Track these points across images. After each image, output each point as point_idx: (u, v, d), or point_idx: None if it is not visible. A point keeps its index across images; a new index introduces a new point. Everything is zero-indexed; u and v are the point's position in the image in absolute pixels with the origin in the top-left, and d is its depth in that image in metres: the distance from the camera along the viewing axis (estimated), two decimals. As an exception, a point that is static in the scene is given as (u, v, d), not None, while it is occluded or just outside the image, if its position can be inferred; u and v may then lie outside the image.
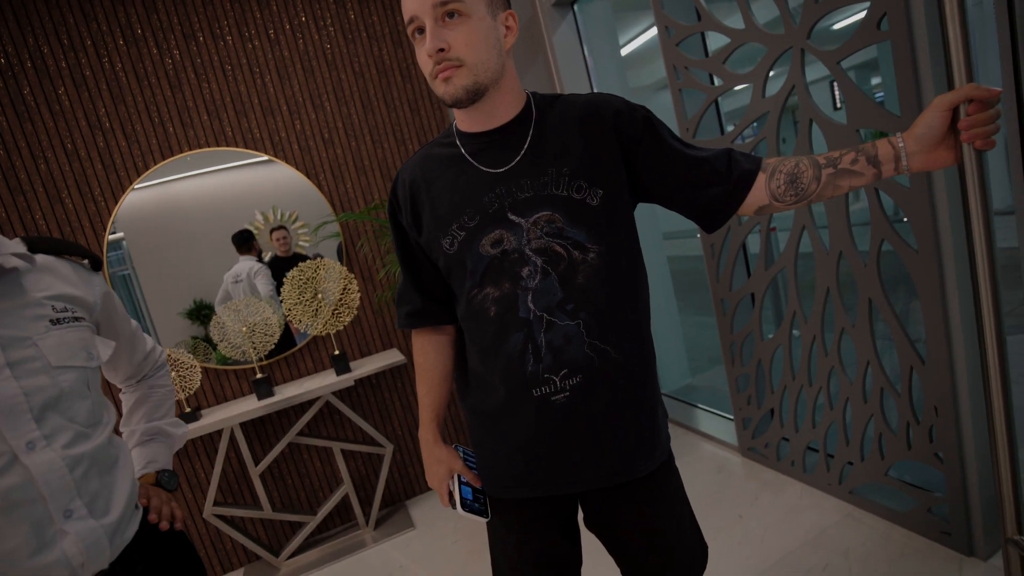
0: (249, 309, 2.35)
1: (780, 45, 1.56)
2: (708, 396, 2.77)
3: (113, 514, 0.80)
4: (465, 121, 0.89)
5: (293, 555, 2.40)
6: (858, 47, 1.38)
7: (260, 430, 2.46)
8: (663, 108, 1.39)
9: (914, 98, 1.29)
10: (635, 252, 0.92)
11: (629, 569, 1.03)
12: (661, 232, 2.86)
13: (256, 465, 2.31)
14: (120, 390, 1.06)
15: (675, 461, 1.01)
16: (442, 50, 0.79)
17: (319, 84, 2.49)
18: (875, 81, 9.08)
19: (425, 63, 0.82)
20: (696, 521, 1.04)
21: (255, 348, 2.36)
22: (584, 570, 1.04)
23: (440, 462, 0.98)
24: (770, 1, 1.54)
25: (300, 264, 2.37)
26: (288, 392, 2.31)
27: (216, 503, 2.30)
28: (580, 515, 1.02)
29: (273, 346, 2.40)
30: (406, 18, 0.81)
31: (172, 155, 2.32)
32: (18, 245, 0.82)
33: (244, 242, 2.44)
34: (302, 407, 2.45)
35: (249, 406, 2.25)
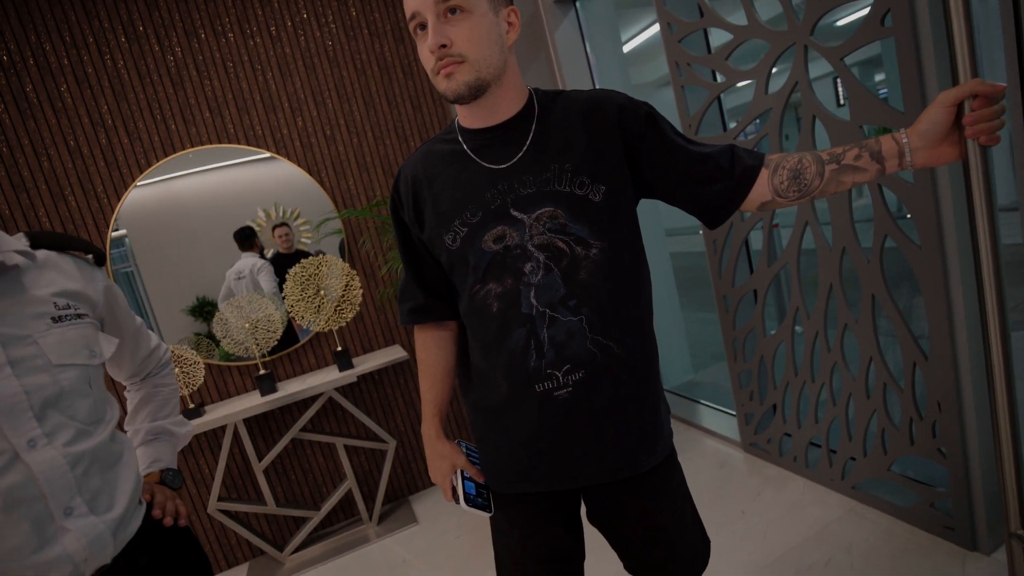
0: (252, 306, 2.35)
1: (783, 41, 1.56)
2: (710, 392, 2.78)
3: (116, 510, 0.80)
4: (467, 117, 0.89)
5: (297, 550, 2.42)
6: (862, 43, 1.37)
7: (263, 426, 2.47)
8: (665, 105, 1.39)
9: (918, 94, 1.28)
10: (638, 248, 0.92)
11: (632, 564, 1.03)
12: (663, 228, 2.86)
13: (260, 461, 2.32)
14: (125, 387, 1.06)
15: (677, 457, 1.01)
16: (444, 46, 0.79)
17: (321, 81, 2.49)
18: (879, 78, 9.04)
19: (427, 59, 0.82)
20: (698, 516, 1.04)
21: (258, 344, 2.36)
22: (587, 565, 1.05)
23: (443, 458, 0.98)
24: (773, -4, 1.53)
25: (302, 261, 2.38)
26: (291, 388, 2.32)
27: (220, 498, 2.31)
28: (583, 510, 1.02)
29: (276, 342, 2.40)
30: (408, 14, 0.81)
31: (174, 152, 2.32)
32: (20, 241, 0.82)
33: (246, 239, 2.44)
34: (305, 403, 2.46)
35: (252, 402, 2.26)
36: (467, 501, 0.94)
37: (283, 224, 2.49)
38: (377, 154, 2.60)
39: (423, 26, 0.80)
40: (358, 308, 2.45)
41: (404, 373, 2.69)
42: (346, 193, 2.57)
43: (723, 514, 1.92)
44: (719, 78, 1.86)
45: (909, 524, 1.64)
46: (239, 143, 2.40)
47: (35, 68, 2.14)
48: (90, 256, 0.91)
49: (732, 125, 1.90)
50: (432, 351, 1.01)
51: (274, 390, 2.32)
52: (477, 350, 0.93)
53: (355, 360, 2.52)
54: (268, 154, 2.44)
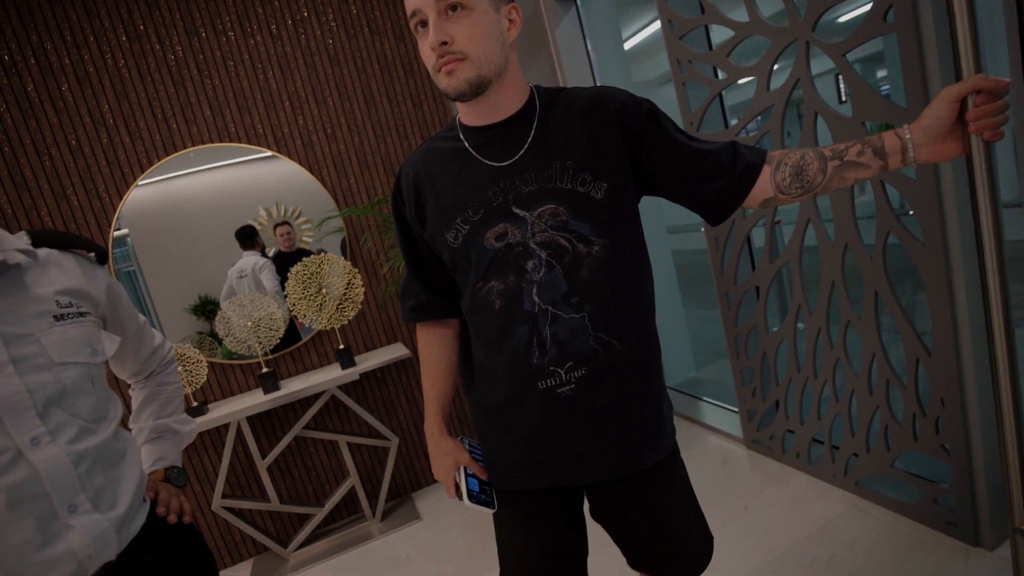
0: (254, 304, 2.36)
1: (785, 38, 1.55)
2: (713, 389, 2.77)
3: (120, 507, 0.80)
4: (468, 115, 0.89)
5: (301, 546, 2.43)
6: (864, 39, 1.37)
7: (267, 424, 2.48)
8: (667, 102, 1.38)
9: (920, 90, 1.28)
10: (640, 245, 0.92)
11: (635, 559, 1.03)
12: (665, 226, 2.85)
13: (263, 458, 2.33)
14: (129, 385, 1.07)
15: (680, 453, 1.01)
16: (445, 43, 0.78)
17: (321, 79, 2.49)
18: (880, 74, 8.99)
19: (428, 56, 0.82)
20: (701, 512, 1.04)
21: (260, 343, 2.37)
22: (589, 560, 1.05)
23: (446, 455, 0.99)
24: (775, -8, 1.52)
25: (304, 259, 2.38)
26: (294, 386, 2.33)
27: (224, 495, 2.32)
28: (586, 505, 1.02)
29: (278, 341, 2.41)
30: (408, 11, 0.81)
31: (176, 151, 2.32)
32: (22, 239, 0.82)
33: (247, 238, 2.45)
34: (308, 401, 2.46)
35: (255, 400, 2.26)
36: (470, 497, 0.94)
37: (284, 223, 2.49)
38: (378, 152, 2.60)
39: (424, 23, 0.80)
40: (360, 306, 2.45)
41: (406, 371, 2.69)
42: (347, 191, 2.57)
43: (726, 510, 1.93)
44: (720, 75, 1.85)
45: (912, 520, 1.64)
46: (240, 142, 2.40)
47: (36, 67, 2.14)
48: (92, 254, 0.91)
49: (734, 122, 1.90)
50: (434, 349, 1.01)
51: (277, 388, 2.33)
52: (479, 347, 0.93)
53: (357, 358, 2.53)
54: (269, 153, 2.44)
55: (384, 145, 2.61)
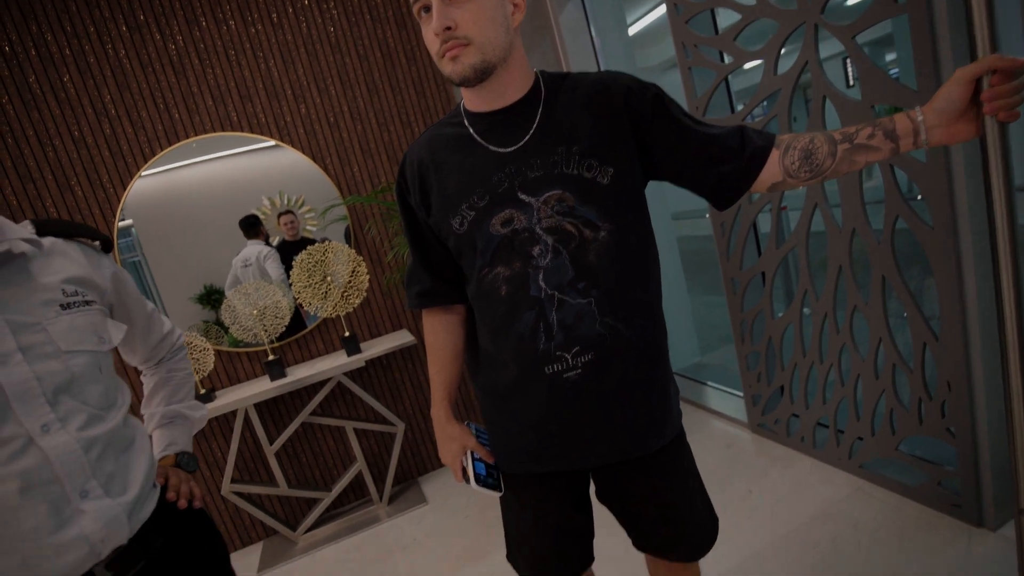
0: (259, 293, 2.37)
1: (793, 21, 1.53)
2: (718, 374, 2.78)
3: (130, 493, 0.82)
4: (473, 100, 0.88)
5: (310, 529, 2.46)
6: (874, 21, 1.35)
7: (274, 410, 2.51)
8: (672, 87, 1.36)
9: (932, 72, 1.26)
10: (646, 230, 0.91)
11: (641, 540, 1.04)
12: (670, 212, 2.84)
13: (271, 444, 2.35)
14: (140, 372, 1.08)
15: (686, 437, 1.02)
16: (449, 28, 0.78)
17: (323, 68, 2.47)
18: (889, 58, 8.84)
19: (432, 42, 0.81)
20: (707, 495, 1.05)
21: (266, 331, 2.38)
22: (595, 541, 1.06)
23: (453, 439, 0.99)
24: (782, -27, 1.50)
25: (309, 248, 2.38)
26: (300, 373, 2.34)
27: (233, 480, 2.35)
28: (592, 488, 1.03)
29: (284, 329, 2.42)
30: (412, -3, 0.80)
31: (178, 141, 2.32)
32: (26, 228, 0.82)
33: (251, 227, 2.45)
34: (314, 388, 2.48)
35: (262, 387, 2.28)
36: (477, 481, 0.95)
37: (288, 212, 2.49)
38: (381, 140, 2.59)
39: (427, 9, 0.79)
40: (365, 294, 2.46)
41: (412, 357, 2.71)
42: (351, 180, 2.56)
43: (730, 493, 1.94)
44: (727, 59, 1.83)
45: (916, 502, 1.65)
46: (243, 131, 2.39)
47: (37, 59, 2.13)
48: (97, 243, 0.91)
49: (740, 108, 1.88)
50: (440, 335, 1.01)
51: (283, 375, 2.35)
52: (485, 333, 0.94)
53: (363, 345, 2.54)
54: (272, 142, 2.43)
55: (387, 133, 2.59)
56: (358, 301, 2.44)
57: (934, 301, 1.45)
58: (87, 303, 0.83)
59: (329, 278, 2.40)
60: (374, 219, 2.57)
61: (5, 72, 2.10)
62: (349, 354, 2.40)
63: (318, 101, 2.48)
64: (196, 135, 2.34)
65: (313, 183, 2.50)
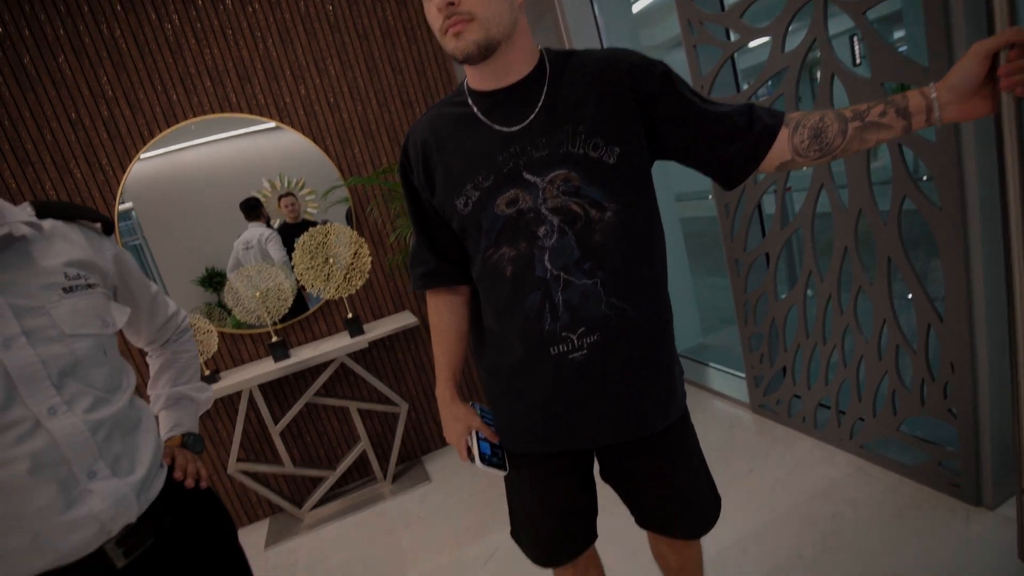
0: (261, 275, 2.37)
1: (801, -6, 1.49)
2: (720, 355, 2.79)
3: (138, 473, 0.82)
4: (476, 79, 0.87)
5: (315, 507, 2.50)
6: (885, -7, 1.31)
7: (278, 391, 2.52)
8: (677, 66, 1.34)
9: (944, 49, 1.23)
10: (652, 210, 0.91)
11: (644, 520, 1.06)
12: (674, 194, 2.82)
13: (276, 424, 2.38)
14: (146, 353, 1.08)
15: (690, 417, 1.02)
16: (452, 3, 0.76)
17: (322, 47, 2.43)
18: (898, 35, 8.66)
19: (434, 18, 0.79)
20: (710, 475, 1.06)
21: (269, 313, 2.39)
22: (598, 518, 1.07)
23: (458, 419, 1.00)
24: (791, -54, 1.46)
25: (310, 229, 2.37)
26: (304, 354, 2.35)
27: (239, 459, 2.37)
28: (596, 466, 1.04)
29: (286, 310, 2.43)
30: (415, -29, 0.78)
31: (176, 122, 2.30)
32: (27, 211, 0.81)
33: (252, 209, 2.44)
34: (318, 369, 2.50)
35: (266, 368, 2.30)
36: (482, 460, 0.95)
37: (289, 194, 2.47)
38: (382, 121, 2.56)
39: (429, -17, 0.78)
40: (367, 275, 2.46)
41: (414, 338, 2.71)
42: (352, 161, 2.54)
43: (731, 472, 1.96)
44: (733, 37, 1.79)
45: (916, 482, 1.67)
46: (242, 112, 2.36)
47: (31, 39, 2.10)
48: (98, 225, 0.90)
49: (746, 87, 1.85)
50: (445, 315, 1.01)
51: (287, 356, 2.36)
52: (491, 314, 0.93)
53: (366, 326, 2.55)
54: (272, 123, 2.40)
55: (388, 113, 2.56)
56: (360, 283, 2.44)
57: (939, 282, 1.45)
58: (89, 286, 0.82)
59: (331, 260, 2.39)
60: (376, 200, 2.55)
61: None
62: (352, 335, 2.41)
63: (317, 81, 2.44)
64: (195, 117, 2.31)
65: (314, 164, 2.48)
